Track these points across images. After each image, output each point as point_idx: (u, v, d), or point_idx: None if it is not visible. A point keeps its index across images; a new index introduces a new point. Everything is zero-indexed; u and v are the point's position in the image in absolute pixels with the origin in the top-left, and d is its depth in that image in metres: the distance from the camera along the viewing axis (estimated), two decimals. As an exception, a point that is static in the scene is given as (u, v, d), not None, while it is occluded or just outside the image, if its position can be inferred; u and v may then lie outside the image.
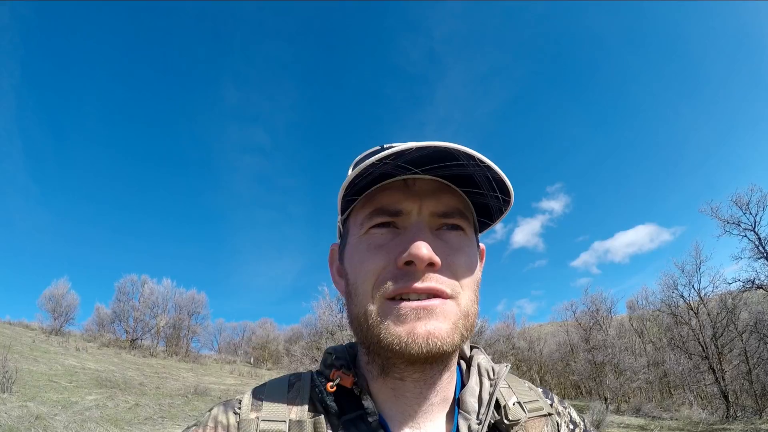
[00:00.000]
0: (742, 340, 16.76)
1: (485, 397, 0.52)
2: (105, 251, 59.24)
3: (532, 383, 0.65)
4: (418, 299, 0.46)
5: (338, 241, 0.61)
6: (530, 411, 0.56)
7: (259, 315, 52.89)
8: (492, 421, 0.52)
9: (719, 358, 16.32)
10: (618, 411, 18.12)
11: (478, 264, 0.55)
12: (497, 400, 0.55)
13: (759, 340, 16.32)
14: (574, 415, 0.64)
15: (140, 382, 13.27)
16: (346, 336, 13.56)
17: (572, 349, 26.16)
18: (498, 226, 0.63)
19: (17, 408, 7.32)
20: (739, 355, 17.11)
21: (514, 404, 0.55)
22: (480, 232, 0.59)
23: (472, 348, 0.61)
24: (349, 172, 0.49)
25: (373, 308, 0.47)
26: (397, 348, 0.45)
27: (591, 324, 23.26)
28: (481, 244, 0.59)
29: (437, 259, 0.46)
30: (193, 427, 0.50)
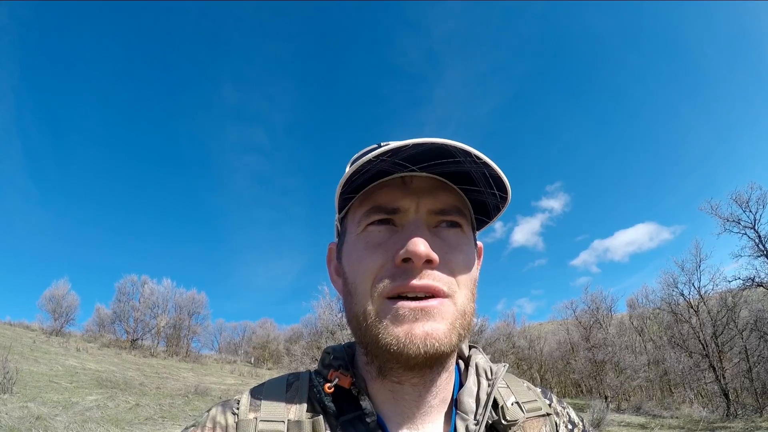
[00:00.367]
0: (742, 338, 16.75)
1: (483, 397, 0.52)
2: (105, 251, 59.20)
3: (533, 382, 0.65)
4: (416, 299, 0.45)
5: (336, 239, 0.61)
6: (528, 411, 0.56)
7: (259, 315, 53.05)
8: (489, 422, 0.52)
9: (719, 356, 16.32)
10: (618, 409, 18.13)
11: (476, 262, 0.55)
12: (495, 400, 0.54)
13: (759, 338, 16.32)
14: (573, 415, 0.64)
15: (141, 382, 13.29)
16: (346, 335, 13.56)
17: (572, 348, 26.16)
18: (497, 225, 0.63)
19: (18, 409, 7.32)
20: (739, 353, 17.11)
21: (512, 404, 0.55)
22: (477, 229, 0.59)
23: (470, 347, 0.61)
24: (347, 169, 0.49)
25: (371, 308, 0.47)
26: (395, 349, 0.44)
27: (591, 322, 23.24)
28: (478, 242, 0.59)
29: (435, 257, 0.45)
30: (192, 428, 0.50)
